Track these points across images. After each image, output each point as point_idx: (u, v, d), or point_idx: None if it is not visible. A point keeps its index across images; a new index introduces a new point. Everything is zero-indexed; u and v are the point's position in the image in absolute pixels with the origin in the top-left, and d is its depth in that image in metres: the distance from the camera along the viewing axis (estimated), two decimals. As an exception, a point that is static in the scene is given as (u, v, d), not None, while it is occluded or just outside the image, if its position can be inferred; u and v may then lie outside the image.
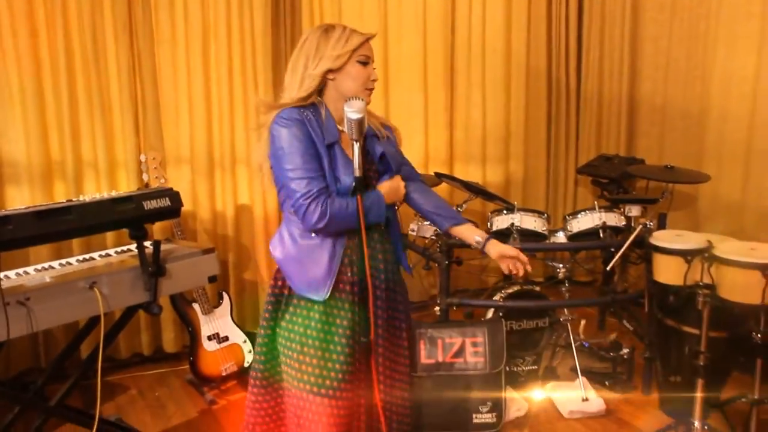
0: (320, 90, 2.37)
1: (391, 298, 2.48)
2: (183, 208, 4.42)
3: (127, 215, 3.12)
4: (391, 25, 5.11)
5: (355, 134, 2.12)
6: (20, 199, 4.04)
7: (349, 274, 2.36)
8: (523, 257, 2.43)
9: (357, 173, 2.16)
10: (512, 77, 5.48)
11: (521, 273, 2.44)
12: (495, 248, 2.45)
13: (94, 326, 3.30)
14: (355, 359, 2.36)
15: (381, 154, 2.40)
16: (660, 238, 3.34)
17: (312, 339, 2.35)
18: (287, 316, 2.42)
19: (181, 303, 4.10)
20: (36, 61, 4.03)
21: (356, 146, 2.14)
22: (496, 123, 5.48)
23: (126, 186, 4.34)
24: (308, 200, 2.23)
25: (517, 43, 5.44)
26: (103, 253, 3.66)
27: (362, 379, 2.39)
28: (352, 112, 2.10)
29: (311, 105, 2.37)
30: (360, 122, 2.11)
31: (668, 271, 3.23)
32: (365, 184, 2.25)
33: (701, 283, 3.05)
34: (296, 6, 4.81)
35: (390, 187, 2.38)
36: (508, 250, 2.44)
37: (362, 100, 2.15)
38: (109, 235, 4.28)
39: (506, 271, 2.43)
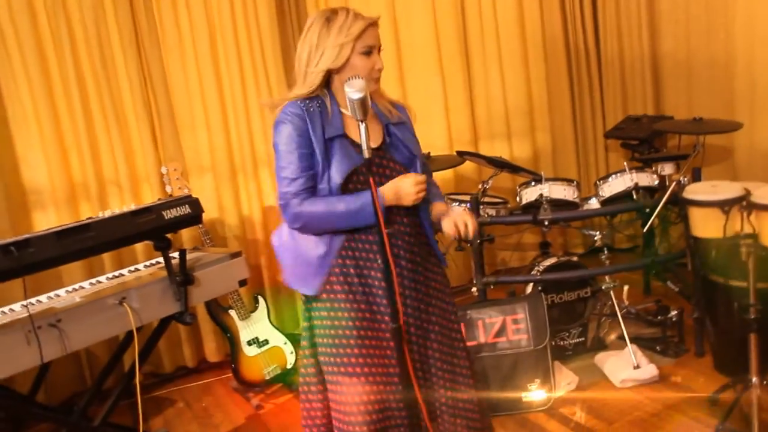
0: (327, 80, 2.35)
1: (421, 289, 2.44)
2: (210, 216, 4.53)
3: (148, 226, 3.11)
4: (399, 8, 5.02)
5: (359, 114, 2.05)
6: (47, 225, 4.02)
7: (351, 270, 2.34)
8: (464, 217, 2.35)
9: (366, 154, 2.08)
10: (529, 48, 5.35)
11: (463, 230, 2.34)
12: (448, 213, 2.43)
13: (131, 341, 3.28)
14: (375, 342, 2.35)
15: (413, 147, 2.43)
16: (694, 191, 3.21)
17: (324, 329, 2.38)
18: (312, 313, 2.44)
19: (217, 311, 4.08)
20: (47, 83, 4.03)
21: (362, 127, 2.07)
22: (518, 96, 5.36)
23: (151, 199, 4.30)
24: (285, 201, 2.29)
25: (530, 13, 5.30)
26: (132, 268, 3.66)
27: (395, 366, 2.33)
28: (353, 91, 2.03)
29: (318, 96, 2.35)
30: (362, 101, 2.04)
31: (706, 225, 3.10)
32: (371, 168, 2.20)
33: (742, 234, 2.91)
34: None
35: (394, 189, 2.29)
36: (454, 215, 2.39)
37: (362, 78, 2.08)
38: (140, 251, 4.26)
39: (450, 232, 2.36)
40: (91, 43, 4.12)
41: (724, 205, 2.99)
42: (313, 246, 2.35)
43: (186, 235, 4.39)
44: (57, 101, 4.08)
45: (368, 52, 2.28)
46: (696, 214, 3.17)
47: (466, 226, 2.33)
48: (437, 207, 2.49)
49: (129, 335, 3.28)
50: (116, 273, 3.59)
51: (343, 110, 2.34)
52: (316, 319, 2.41)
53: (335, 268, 2.34)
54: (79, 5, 4.06)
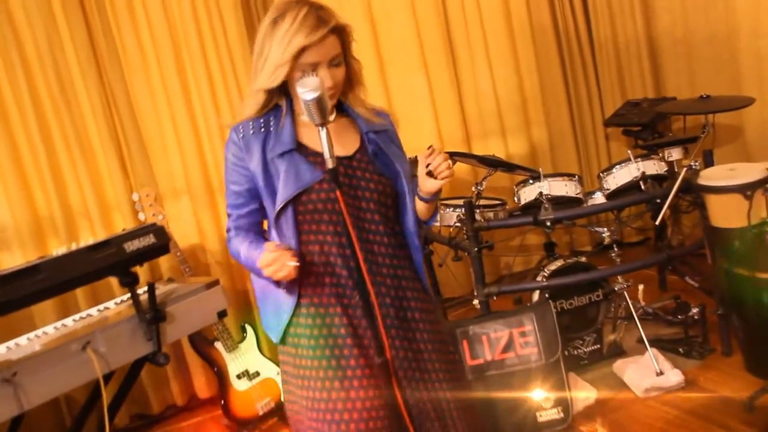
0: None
1: (402, 317, 2.08)
2: (190, 242, 4.24)
3: (107, 262, 2.81)
4: (374, 2, 4.73)
5: (317, 117, 1.75)
6: (14, 264, 3.75)
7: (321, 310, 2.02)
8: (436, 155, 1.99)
9: (329, 164, 1.77)
10: (516, 38, 5.05)
11: (439, 168, 1.97)
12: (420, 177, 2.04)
13: (108, 384, 2.99)
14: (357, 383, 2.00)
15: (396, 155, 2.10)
16: (710, 177, 2.91)
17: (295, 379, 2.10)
18: None
19: (201, 344, 3.79)
20: (3, 114, 3.77)
21: (323, 132, 1.76)
22: (509, 90, 5.06)
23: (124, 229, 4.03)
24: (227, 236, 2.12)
25: (515, 1, 5.01)
26: (102, 307, 3.37)
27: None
28: (306, 91, 1.72)
29: (276, 106, 2.05)
30: (318, 101, 1.73)
31: (727, 213, 2.80)
32: (338, 180, 1.82)
33: (769, 219, 2.61)
34: (267, 2, 4.47)
35: (265, 261, 1.89)
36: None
37: (315, 74, 1.78)
38: (116, 284, 3.96)
39: (425, 171, 1.98)
40: (47, 66, 3.85)
41: (746, 190, 2.69)
42: (273, 288, 2.06)
43: (165, 264, 4.12)
44: (14, 131, 3.82)
45: (310, 72, 1.91)
46: (714, 202, 2.87)
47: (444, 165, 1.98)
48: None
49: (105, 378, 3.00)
50: (84, 314, 3.29)
51: (304, 118, 2.00)
52: (285, 364, 2.12)
53: (302, 308, 2.03)
54: (30, 26, 3.80)
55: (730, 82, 4.34)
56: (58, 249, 2.87)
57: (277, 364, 3.82)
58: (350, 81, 2.05)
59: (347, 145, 2.06)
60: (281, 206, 1.95)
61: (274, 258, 1.84)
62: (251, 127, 2.01)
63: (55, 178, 3.90)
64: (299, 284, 2.00)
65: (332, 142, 1.78)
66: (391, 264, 2.06)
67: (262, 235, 2.09)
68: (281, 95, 2.04)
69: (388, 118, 2.18)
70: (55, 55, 3.88)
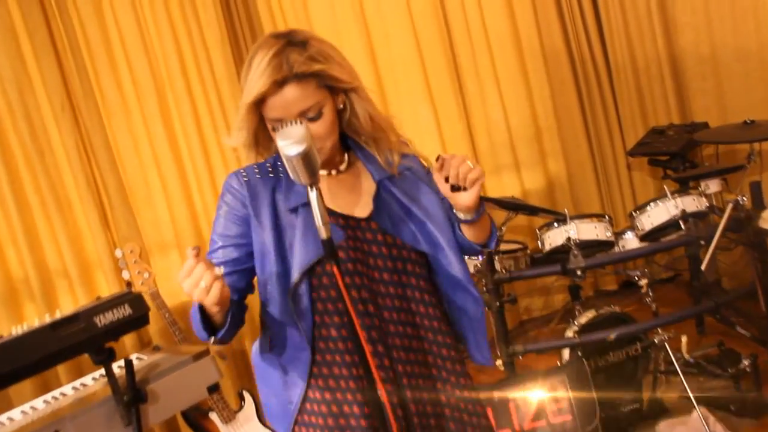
0: None
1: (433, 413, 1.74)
2: (180, 300, 3.86)
3: (75, 339, 2.42)
4: (373, 28, 4.47)
5: (304, 176, 1.40)
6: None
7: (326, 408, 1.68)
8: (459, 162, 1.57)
9: (322, 234, 1.41)
10: (527, 63, 4.74)
11: (462, 174, 1.56)
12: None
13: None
14: None
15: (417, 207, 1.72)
16: (773, 220, 2.54)
17: None
18: None
19: (194, 416, 3.43)
20: (-32, 168, 3.47)
21: (313, 195, 1.40)
22: (522, 120, 4.74)
23: (107, 290, 3.73)
24: None
25: (524, 21, 4.70)
26: (78, 383, 2.99)
27: None
28: (288, 144, 1.38)
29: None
30: (305, 157, 1.37)
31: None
32: (335, 254, 1.45)
33: None
34: (256, 32, 4.23)
35: (183, 270, 1.48)
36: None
37: (300, 122, 1.40)
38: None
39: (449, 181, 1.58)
40: (16, 112, 3.55)
41: (821, 233, 2.32)
42: (278, 373, 1.76)
43: (154, 326, 3.77)
44: (-19, 186, 3.51)
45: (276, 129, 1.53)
46: (779, 249, 2.49)
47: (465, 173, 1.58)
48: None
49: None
50: (58, 392, 2.92)
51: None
52: None
53: (312, 401, 1.71)
54: (-3, 70, 3.51)
55: (764, 103, 4.04)
56: (14, 328, 2.51)
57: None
58: (359, 131, 1.72)
59: (359, 200, 1.72)
60: (301, 273, 1.62)
61: (190, 267, 1.44)
62: (256, 170, 1.70)
63: (28, 234, 3.58)
64: (309, 370, 1.68)
65: (336, 203, 1.56)
66: (415, 348, 1.72)
67: (243, 308, 1.73)
68: None
69: (417, 162, 1.83)
70: (25, 99, 3.59)
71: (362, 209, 1.70)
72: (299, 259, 1.61)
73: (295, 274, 1.61)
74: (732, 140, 3.35)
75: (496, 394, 2.91)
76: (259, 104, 1.58)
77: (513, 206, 3.42)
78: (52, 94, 3.64)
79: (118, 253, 3.43)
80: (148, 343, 3.76)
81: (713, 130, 3.87)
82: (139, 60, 3.84)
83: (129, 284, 3.47)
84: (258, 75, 1.54)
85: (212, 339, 1.62)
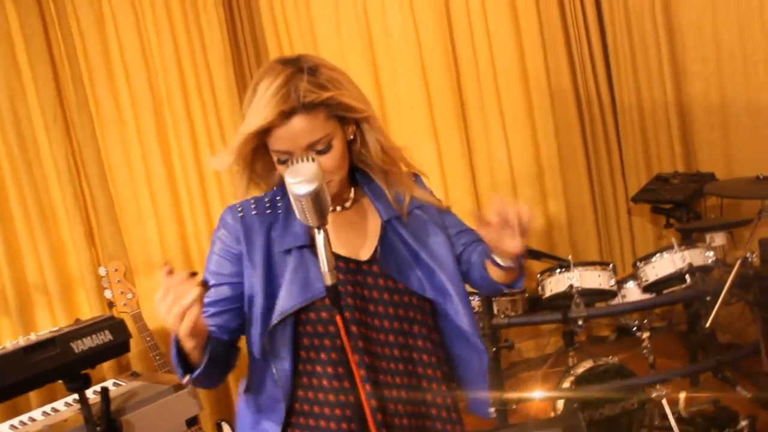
0: None
1: None
2: (164, 326, 3.74)
3: (50, 365, 2.33)
4: (381, 61, 4.40)
5: (312, 217, 1.31)
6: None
7: None
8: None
9: (327, 280, 1.31)
10: (534, 102, 4.68)
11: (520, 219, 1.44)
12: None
13: None
14: None
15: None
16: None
17: None
18: None
19: (169, 447, 3.26)
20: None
21: (320, 237, 1.31)
22: (525, 159, 4.68)
23: (87, 309, 3.60)
24: None
25: (533, 60, 4.64)
26: (49, 408, 2.85)
27: None
28: (298, 183, 1.27)
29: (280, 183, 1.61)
30: (315, 197, 1.28)
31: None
32: (339, 302, 1.36)
33: None
34: (262, 59, 4.11)
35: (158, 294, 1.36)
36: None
37: (312, 160, 1.30)
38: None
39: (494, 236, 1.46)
40: (5, 120, 3.45)
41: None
42: (251, 417, 1.64)
43: (134, 350, 3.59)
44: (-37, 194, 3.40)
45: (285, 161, 1.47)
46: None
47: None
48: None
49: None
50: (26, 417, 2.78)
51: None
52: None
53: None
54: (-12, 77, 3.41)
55: None
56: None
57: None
58: (368, 163, 1.63)
59: (364, 241, 1.61)
60: (279, 319, 1.50)
61: (165, 289, 1.31)
62: (253, 205, 1.60)
63: (8, 246, 3.45)
64: (287, 422, 1.56)
65: (338, 243, 1.46)
66: (414, 399, 1.61)
67: (232, 351, 1.61)
68: None
69: (418, 178, 1.77)
70: (16, 106, 3.48)
71: (365, 251, 1.59)
72: (282, 303, 1.51)
73: (274, 318, 1.50)
74: (745, 195, 3.27)
75: (488, 445, 2.79)
76: (261, 133, 1.48)
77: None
78: (45, 104, 3.53)
79: (102, 271, 3.30)
80: (126, 367, 3.61)
81: (724, 182, 3.80)
82: (139, 74, 3.75)
83: (111, 304, 3.35)
84: (263, 104, 1.43)
85: (186, 377, 1.45)
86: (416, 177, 1.76)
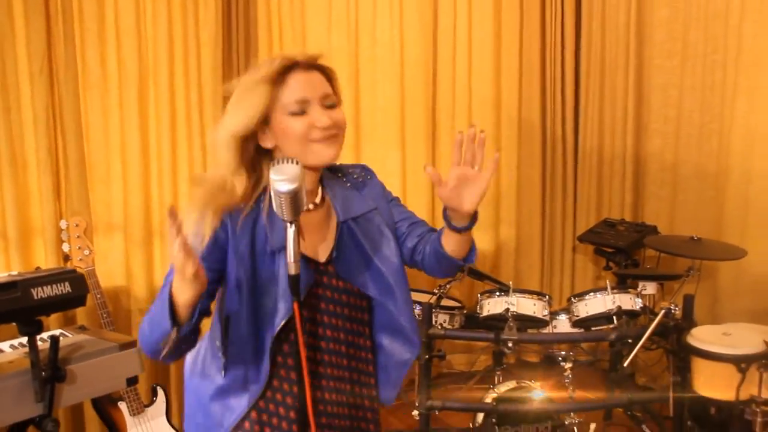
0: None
1: None
2: (114, 284, 3.81)
3: (8, 307, 2.42)
4: (363, 68, 4.52)
5: (287, 213, 1.42)
6: None
7: None
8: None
9: (291, 270, 1.44)
10: (502, 131, 4.86)
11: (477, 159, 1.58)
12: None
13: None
14: None
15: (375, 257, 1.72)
16: (702, 339, 2.67)
17: None
18: None
19: (102, 402, 3.36)
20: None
21: (291, 231, 1.44)
22: (485, 184, 4.80)
23: (43, 259, 3.63)
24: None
25: (508, 94, 4.83)
26: (-6, 347, 2.94)
27: None
28: (281, 181, 1.40)
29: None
30: (293, 196, 1.40)
31: (714, 382, 2.56)
32: (298, 291, 1.48)
33: (759, 398, 2.35)
34: (251, 44, 4.19)
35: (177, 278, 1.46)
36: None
37: (296, 163, 1.44)
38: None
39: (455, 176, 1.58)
40: None
41: (742, 362, 2.44)
42: (217, 396, 1.70)
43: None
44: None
45: (299, 112, 1.60)
46: (702, 368, 2.62)
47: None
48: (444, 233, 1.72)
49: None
50: (-28, 354, 2.85)
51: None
52: None
53: (263, 412, 1.68)
54: (-19, 18, 3.43)
55: (711, 222, 4.18)
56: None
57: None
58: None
59: (322, 241, 1.71)
60: (286, 320, 1.59)
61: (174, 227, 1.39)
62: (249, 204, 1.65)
63: (-26, 188, 3.48)
64: (254, 403, 1.66)
65: (302, 240, 1.50)
66: (347, 393, 1.74)
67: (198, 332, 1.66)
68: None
69: (371, 173, 1.88)
70: (4, 53, 3.49)
71: (323, 252, 1.70)
72: (284, 310, 1.59)
73: (280, 323, 1.59)
74: (677, 252, 3.47)
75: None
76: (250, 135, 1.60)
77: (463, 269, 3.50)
78: (34, 54, 3.54)
79: (63, 224, 3.39)
80: (71, 320, 3.67)
81: (662, 237, 4.01)
82: (129, 41, 3.77)
83: (67, 257, 3.42)
84: (287, 54, 1.62)
85: (173, 332, 1.47)
86: (369, 170, 1.88)
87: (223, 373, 1.66)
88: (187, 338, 1.53)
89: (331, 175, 1.79)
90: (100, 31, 3.74)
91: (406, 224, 1.84)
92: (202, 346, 1.75)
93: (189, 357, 1.80)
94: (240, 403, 1.66)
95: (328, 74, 1.67)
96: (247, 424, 1.66)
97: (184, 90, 3.93)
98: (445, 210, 1.64)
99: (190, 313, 1.48)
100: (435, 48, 4.72)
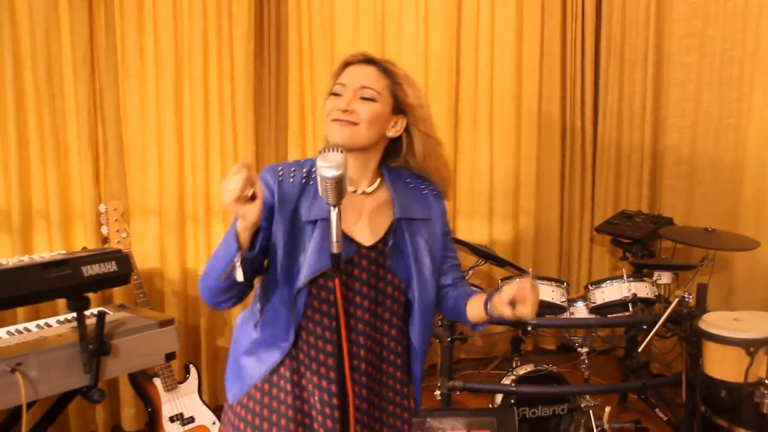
0: None
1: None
2: (149, 266, 3.99)
3: (61, 283, 2.57)
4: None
5: (332, 197, 1.57)
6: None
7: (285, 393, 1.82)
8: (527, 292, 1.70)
9: (334, 249, 1.59)
10: (523, 123, 4.98)
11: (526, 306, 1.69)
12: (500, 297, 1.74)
13: (19, 419, 2.71)
14: None
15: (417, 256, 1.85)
16: (713, 323, 2.78)
17: None
18: None
19: (139, 377, 3.53)
20: (-23, 96, 3.53)
21: (333, 213, 1.58)
22: (505, 174, 4.97)
23: (83, 240, 3.82)
24: None
25: (529, 86, 4.95)
26: (42, 322, 3.10)
27: None
28: (326, 167, 1.54)
29: None
30: (338, 181, 1.55)
31: (724, 365, 2.68)
32: (340, 267, 1.63)
33: (767, 381, 2.47)
34: (282, 38, 4.33)
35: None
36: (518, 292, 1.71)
37: (341, 152, 1.59)
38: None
39: (505, 311, 1.71)
40: (38, 54, 3.63)
41: (751, 346, 2.56)
42: (253, 348, 1.86)
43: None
44: (-14, 115, 3.58)
45: (336, 93, 1.82)
46: (712, 350, 2.74)
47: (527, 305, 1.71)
48: (477, 300, 1.88)
49: (16, 411, 2.73)
50: (21, 327, 3.02)
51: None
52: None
53: (265, 384, 1.84)
54: (29, 10, 3.59)
55: (727, 214, 4.28)
56: (5, 259, 2.63)
57: (215, 413, 3.62)
58: (409, 150, 1.91)
59: (374, 230, 1.85)
60: (308, 280, 1.75)
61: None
62: (292, 172, 1.82)
63: (20, 171, 3.65)
64: (282, 359, 1.81)
65: (340, 223, 1.61)
66: (373, 374, 1.87)
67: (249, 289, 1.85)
68: None
69: (441, 195, 1.96)
70: (50, 44, 3.67)
71: (369, 237, 1.82)
72: (309, 268, 1.73)
73: (303, 279, 1.74)
74: (692, 242, 3.58)
75: (429, 420, 3.08)
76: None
77: (484, 255, 3.63)
78: (77, 45, 3.72)
79: (102, 208, 3.53)
80: (109, 300, 3.86)
81: (677, 228, 4.11)
82: (166, 34, 3.92)
83: (105, 240, 3.57)
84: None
85: (237, 257, 1.63)
86: (440, 192, 1.97)
87: (258, 329, 1.83)
88: (246, 275, 1.66)
89: (396, 172, 1.92)
90: (139, 24, 3.90)
91: (449, 264, 1.97)
92: (248, 309, 1.94)
93: (238, 318, 1.97)
94: (271, 357, 1.81)
95: (384, 70, 1.83)
96: (281, 369, 1.81)
97: (217, 82, 4.08)
98: (490, 296, 1.78)
99: (251, 240, 1.66)
100: (458, 42, 4.83)
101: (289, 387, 1.81)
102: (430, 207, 1.91)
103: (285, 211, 1.77)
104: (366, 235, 1.83)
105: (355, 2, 4.54)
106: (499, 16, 4.87)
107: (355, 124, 1.78)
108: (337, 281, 1.62)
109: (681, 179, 4.64)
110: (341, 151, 1.57)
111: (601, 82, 5.05)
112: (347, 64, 1.84)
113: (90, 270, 2.66)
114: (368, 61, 1.84)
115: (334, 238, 1.59)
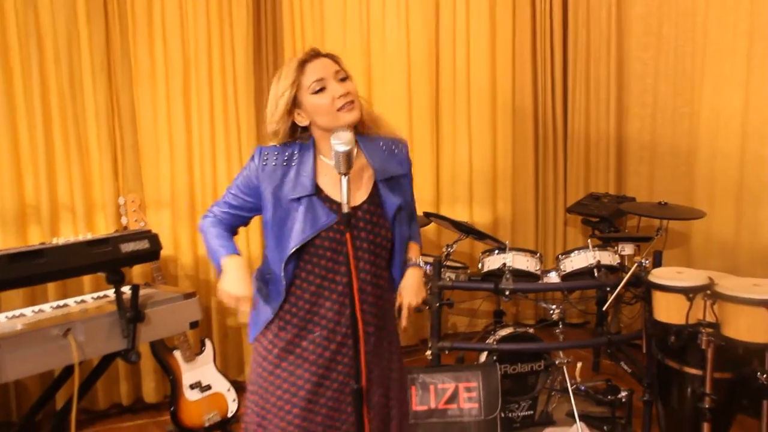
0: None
1: (379, 344, 2.33)
2: (163, 253, 4.35)
3: (103, 258, 3.00)
4: (374, 63, 5.03)
5: (343, 167, 2.00)
6: (-7, 244, 3.87)
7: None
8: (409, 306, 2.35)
9: (345, 209, 2.02)
10: (498, 117, 5.41)
11: (404, 311, 2.34)
12: (405, 280, 2.35)
13: (69, 376, 3.11)
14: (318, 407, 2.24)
15: (397, 208, 2.27)
16: (660, 276, 3.23)
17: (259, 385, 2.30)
18: None
19: (161, 350, 3.92)
20: (10, 101, 3.90)
21: (344, 180, 2.01)
22: (483, 163, 5.39)
23: (104, 229, 4.17)
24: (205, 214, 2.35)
25: (503, 83, 5.39)
26: (78, 299, 3.51)
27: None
28: (339, 144, 1.98)
29: (298, 143, 2.23)
30: (348, 155, 1.99)
31: (669, 310, 3.12)
32: (350, 223, 2.10)
33: (704, 322, 2.93)
34: (278, 42, 4.72)
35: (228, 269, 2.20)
36: (406, 291, 2.34)
37: (350, 132, 2.03)
38: (86, 282, 4.09)
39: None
40: (61, 62, 4.00)
41: (689, 292, 3.01)
42: (265, 291, 2.30)
43: (136, 269, 4.24)
44: (18, 119, 3.94)
45: (320, 89, 2.15)
46: (660, 298, 3.18)
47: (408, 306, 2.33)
48: (410, 249, 2.40)
49: (66, 370, 3.13)
50: (61, 303, 3.43)
51: (324, 159, 2.20)
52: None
53: (286, 314, 2.25)
54: (53, 22, 3.95)
55: (684, 193, 4.68)
56: (55, 239, 3.03)
57: (229, 381, 4.02)
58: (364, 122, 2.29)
59: (358, 192, 2.23)
60: (297, 246, 2.15)
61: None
62: (275, 157, 2.21)
63: (48, 169, 4.01)
64: (282, 302, 2.24)
65: (351, 190, 2.03)
66: (375, 304, 2.28)
67: (233, 234, 2.34)
68: (307, 135, 2.24)
69: (405, 149, 2.36)
70: (72, 52, 4.03)
71: (356, 198, 2.21)
72: (301, 233, 2.15)
73: (296, 244, 2.15)
74: (646, 214, 4.03)
75: (422, 376, 3.50)
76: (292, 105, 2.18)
77: (465, 229, 4.05)
78: (95, 53, 4.08)
79: (121, 200, 3.89)
80: (129, 282, 4.23)
81: (636, 204, 4.54)
82: (174, 41, 4.28)
83: (125, 229, 3.94)
84: (287, 67, 2.19)
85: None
86: (405, 144, 2.38)
87: (264, 279, 2.31)
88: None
89: (368, 138, 2.29)
90: (150, 31, 4.25)
91: (408, 210, 2.42)
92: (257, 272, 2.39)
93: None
94: (274, 301, 2.25)
95: (334, 59, 2.24)
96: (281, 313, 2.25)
97: (221, 83, 4.44)
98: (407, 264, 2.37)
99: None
100: (437, 44, 5.24)
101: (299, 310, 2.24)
102: (403, 162, 2.33)
103: (268, 190, 2.18)
104: (354, 197, 2.21)
105: (343, 9, 4.91)
106: (473, 19, 5.28)
107: (355, 101, 2.18)
108: (348, 236, 2.06)
109: (643, 163, 5.08)
110: (350, 131, 2.02)
111: (570, 77, 5.51)
112: (305, 62, 2.17)
113: (127, 247, 3.08)
114: (319, 54, 2.20)
115: (345, 200, 2.01)
